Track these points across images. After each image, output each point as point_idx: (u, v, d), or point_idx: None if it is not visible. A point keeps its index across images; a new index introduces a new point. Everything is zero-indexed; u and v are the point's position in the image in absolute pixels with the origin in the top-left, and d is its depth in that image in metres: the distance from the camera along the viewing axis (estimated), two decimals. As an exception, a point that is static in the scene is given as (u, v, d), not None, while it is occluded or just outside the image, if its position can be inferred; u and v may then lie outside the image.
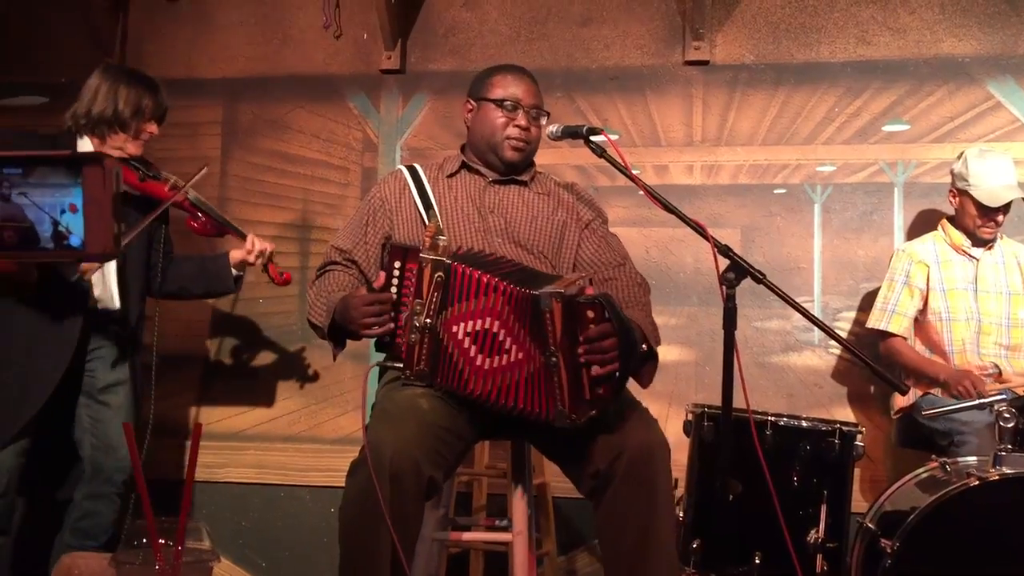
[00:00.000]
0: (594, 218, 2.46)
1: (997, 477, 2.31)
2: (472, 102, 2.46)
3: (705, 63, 3.85)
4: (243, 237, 3.18)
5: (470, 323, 2.05)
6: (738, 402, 2.13)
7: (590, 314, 1.98)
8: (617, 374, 2.00)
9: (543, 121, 2.43)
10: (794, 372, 3.73)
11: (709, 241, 2.04)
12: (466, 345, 2.05)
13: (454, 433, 2.13)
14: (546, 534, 3.41)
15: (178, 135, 3.95)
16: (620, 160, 2.25)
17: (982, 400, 2.67)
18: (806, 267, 3.76)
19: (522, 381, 2.03)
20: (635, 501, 2.05)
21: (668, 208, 2.18)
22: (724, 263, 2.04)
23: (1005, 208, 3.22)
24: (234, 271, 3.18)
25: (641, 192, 2.26)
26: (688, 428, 2.79)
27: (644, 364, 2.16)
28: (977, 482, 2.31)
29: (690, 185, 3.87)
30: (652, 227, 3.82)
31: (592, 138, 2.30)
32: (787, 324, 3.72)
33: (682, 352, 3.80)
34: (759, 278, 2.02)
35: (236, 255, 3.17)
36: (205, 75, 4.16)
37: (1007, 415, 2.44)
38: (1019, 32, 3.66)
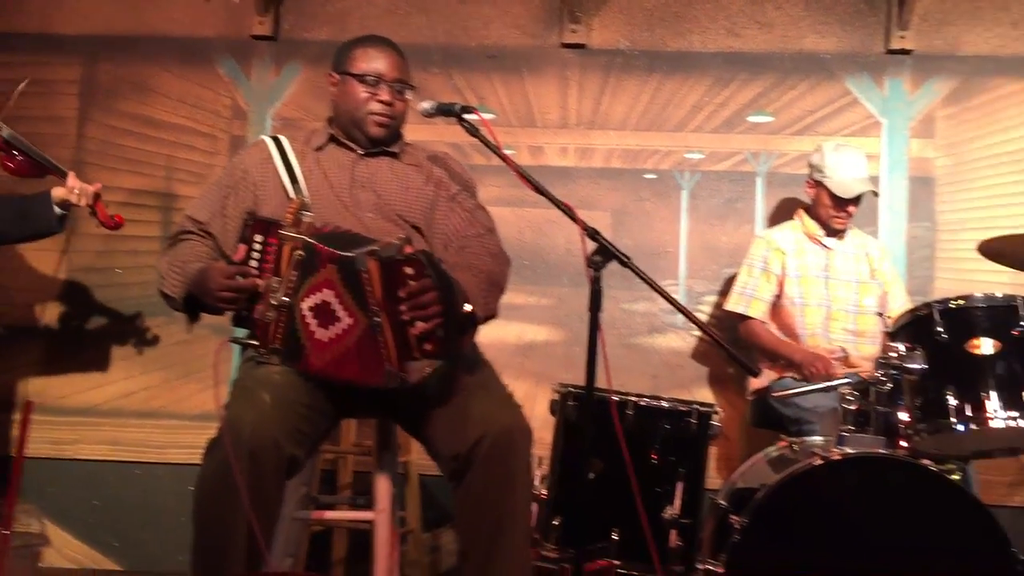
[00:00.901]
0: (460, 190, 2.42)
1: (840, 456, 2.42)
2: (335, 75, 2.39)
3: (581, 47, 3.89)
4: (64, 176, 3.02)
5: (312, 297, 2.03)
6: (604, 382, 2.18)
7: (408, 271, 1.98)
8: (442, 329, 1.99)
9: (408, 95, 2.39)
10: (658, 353, 3.83)
11: (577, 223, 2.06)
12: (308, 320, 2.04)
13: (316, 410, 2.10)
14: (411, 512, 3.41)
15: (31, 93, 3.72)
16: (493, 140, 2.24)
17: (828, 383, 2.79)
18: (672, 251, 3.86)
19: (353, 348, 2.02)
20: (493, 487, 2.07)
21: (538, 189, 2.19)
22: (592, 246, 2.07)
23: (857, 200, 3.38)
24: (57, 210, 3.01)
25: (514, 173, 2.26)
26: (554, 407, 2.82)
27: (466, 328, 2.12)
28: (821, 461, 2.42)
29: (564, 167, 3.91)
30: (526, 208, 3.85)
31: (466, 116, 2.29)
32: (653, 307, 3.81)
33: (551, 332, 3.85)
34: (624, 261, 2.06)
35: (59, 192, 3.00)
36: (62, 31, 3.94)
37: (850, 398, 2.57)
38: (876, 31, 3.84)
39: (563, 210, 2.13)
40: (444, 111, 2.32)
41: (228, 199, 2.32)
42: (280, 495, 2.04)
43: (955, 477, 2.58)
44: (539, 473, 2.73)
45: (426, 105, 2.35)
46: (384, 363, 2.00)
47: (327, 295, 2.03)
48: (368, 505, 2.36)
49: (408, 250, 2.03)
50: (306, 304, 2.04)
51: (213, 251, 2.29)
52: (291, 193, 2.23)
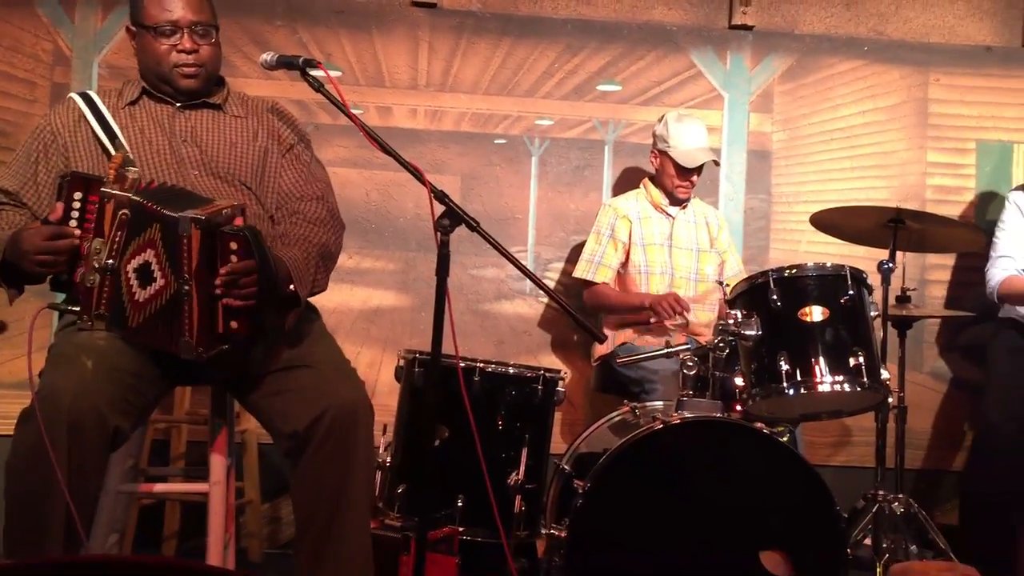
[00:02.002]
0: (297, 142, 2.29)
1: (679, 420, 2.49)
2: (132, 28, 2.19)
3: (432, 6, 3.81)
4: None
5: (137, 258, 1.92)
6: (451, 349, 2.15)
7: (233, 246, 1.90)
8: (255, 310, 1.93)
9: (214, 36, 2.19)
10: (506, 319, 3.83)
11: (426, 186, 2.02)
12: (132, 282, 1.92)
13: (144, 378, 1.97)
14: (249, 482, 3.29)
15: None
16: (339, 97, 2.15)
17: (669, 349, 2.87)
18: (521, 217, 3.86)
19: (159, 312, 1.92)
20: (332, 466, 2.01)
21: (386, 150, 2.12)
22: (440, 209, 2.03)
23: (699, 169, 3.46)
24: None
25: (361, 132, 2.18)
26: (399, 374, 2.78)
27: (288, 305, 2.06)
28: (661, 425, 2.48)
29: (414, 129, 3.83)
30: (374, 169, 3.76)
31: (310, 71, 2.18)
32: (501, 272, 3.80)
33: (399, 298, 3.79)
34: (473, 226, 2.03)
35: None
36: None
37: (690, 363, 2.64)
38: (721, 6, 3.92)
39: (412, 172, 2.08)
40: (286, 64, 2.20)
41: (39, 165, 2.12)
42: (102, 468, 1.92)
43: (784, 439, 2.69)
44: (383, 441, 2.69)
45: (267, 57, 2.22)
46: (184, 333, 1.90)
47: (149, 255, 1.91)
48: (202, 476, 2.25)
49: (238, 222, 1.93)
50: (131, 266, 1.92)
51: (30, 220, 2.09)
52: (111, 150, 2.06)
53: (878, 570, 2.78)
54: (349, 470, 2.03)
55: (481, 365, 2.67)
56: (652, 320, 3.26)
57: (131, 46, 2.22)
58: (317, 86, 2.16)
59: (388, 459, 2.66)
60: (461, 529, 2.51)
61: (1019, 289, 3.35)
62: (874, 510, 2.89)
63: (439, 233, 1.99)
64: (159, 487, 2.46)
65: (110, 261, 1.91)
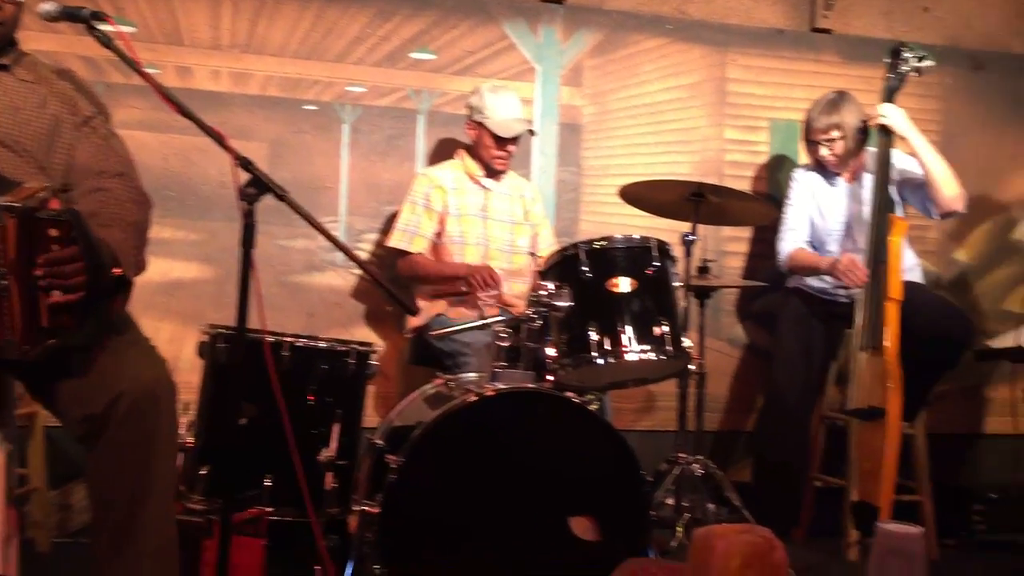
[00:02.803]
0: (95, 114, 2.13)
1: (492, 392, 2.50)
2: None
3: (235, -39, 3.61)
4: None
5: None
6: (258, 323, 2.06)
7: (53, 232, 1.75)
8: (84, 300, 1.79)
9: None
10: (317, 291, 3.73)
11: (229, 152, 1.92)
12: None
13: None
14: (35, 469, 3.06)
15: None
16: (131, 55, 1.99)
17: (483, 321, 2.87)
18: (332, 187, 3.75)
19: None
20: (132, 450, 1.88)
21: (185, 114, 1.99)
22: (245, 177, 1.94)
23: (516, 140, 3.48)
24: None
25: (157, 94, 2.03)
26: (202, 350, 2.65)
27: (116, 291, 1.94)
28: (475, 397, 2.48)
29: (216, 92, 3.64)
30: (173, 133, 3.54)
31: (98, 25, 2.01)
32: (312, 243, 3.69)
33: (202, 269, 3.61)
34: (280, 195, 1.96)
35: None
36: None
37: (503, 335, 2.65)
38: (533, -21, 3.94)
39: (213, 138, 1.96)
40: (70, 15, 2.02)
41: None
42: None
43: (594, 407, 2.76)
44: (185, 420, 2.55)
45: (48, 7, 2.02)
46: (5, 331, 1.73)
47: None
48: (-23, 466, 2.06)
49: (54, 205, 1.77)
50: None
51: None
52: None
53: (679, 529, 2.92)
54: (151, 454, 1.91)
55: (290, 340, 2.58)
56: (464, 289, 3.26)
57: None
58: (106, 41, 1.99)
59: (190, 440, 2.54)
60: (269, 510, 2.42)
61: (803, 261, 3.58)
62: (676, 472, 3.02)
63: (244, 203, 1.90)
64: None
65: None
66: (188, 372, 2.81)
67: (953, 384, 4.03)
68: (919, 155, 3.41)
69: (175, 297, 3.56)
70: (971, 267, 4.28)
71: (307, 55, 3.72)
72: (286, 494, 2.42)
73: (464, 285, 3.27)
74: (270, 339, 2.37)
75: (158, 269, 3.52)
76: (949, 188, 3.41)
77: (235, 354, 2.43)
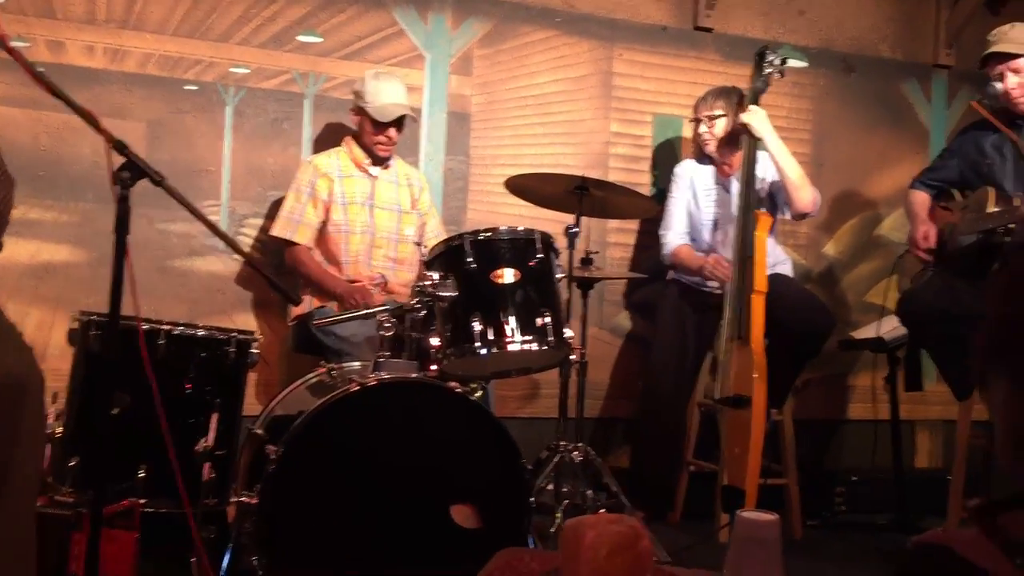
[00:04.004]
0: None
1: (375, 382, 2.48)
2: None
3: (113, -67, 3.48)
4: None
5: None
6: (132, 309, 2.01)
7: None
8: None
9: None
10: (197, 277, 3.64)
11: (102, 134, 1.85)
12: None
13: None
14: None
15: None
16: (-4, 28, 1.91)
17: (368, 310, 2.87)
18: (215, 170, 3.66)
19: None
20: None
21: (54, 92, 1.90)
22: (119, 160, 1.87)
23: (398, 126, 3.45)
24: None
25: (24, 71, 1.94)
26: (73, 337, 2.55)
27: None
28: (358, 387, 2.47)
29: (91, 68, 3.50)
30: (43, 111, 3.40)
31: (-40, -4, 1.92)
32: (192, 228, 3.59)
33: (73, 252, 3.48)
34: (157, 180, 1.90)
35: None
36: None
37: (388, 324, 2.64)
38: (425, -33, 3.92)
39: (85, 118, 1.89)
40: (-72, -15, 1.91)
41: None
42: None
43: (478, 396, 2.79)
44: (53, 410, 2.47)
45: (-97, -25, 1.92)
46: None
47: None
48: None
49: None
50: None
51: None
52: None
53: (558, 515, 2.98)
54: (15, 444, 1.83)
55: (167, 327, 2.52)
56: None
57: None
58: (-32, 14, 1.90)
59: (59, 430, 2.45)
60: (142, 501, 2.36)
61: (683, 259, 3.71)
62: (556, 459, 3.08)
63: (118, 187, 1.84)
64: None
65: None
66: (58, 359, 2.72)
67: (819, 372, 4.23)
68: (774, 158, 3.52)
69: (44, 281, 3.42)
70: (839, 261, 4.49)
71: (189, 33, 3.62)
72: (161, 485, 2.36)
73: (338, 303, 3.27)
74: (145, 327, 2.31)
75: (26, 251, 3.38)
76: (803, 191, 3.53)
77: (108, 342, 2.36)
